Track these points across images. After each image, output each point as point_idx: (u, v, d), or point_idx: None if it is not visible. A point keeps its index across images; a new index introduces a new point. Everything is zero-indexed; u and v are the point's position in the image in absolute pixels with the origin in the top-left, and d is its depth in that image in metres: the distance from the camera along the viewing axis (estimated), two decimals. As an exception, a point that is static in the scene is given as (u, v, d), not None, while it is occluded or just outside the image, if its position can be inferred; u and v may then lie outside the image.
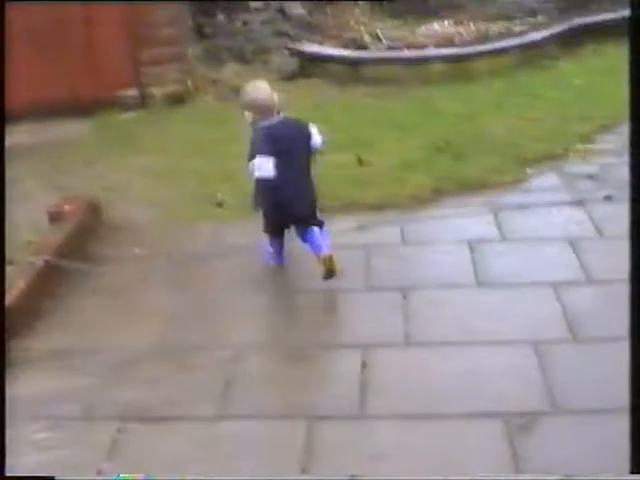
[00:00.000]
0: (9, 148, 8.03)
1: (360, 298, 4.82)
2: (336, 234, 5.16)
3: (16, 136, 8.55)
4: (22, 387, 4.09)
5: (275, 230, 5.12)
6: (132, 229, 5.90)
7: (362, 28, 10.18)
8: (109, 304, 4.89)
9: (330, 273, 4.76)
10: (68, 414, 3.89)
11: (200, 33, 9.88)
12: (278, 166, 4.80)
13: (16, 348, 4.45)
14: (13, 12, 8.54)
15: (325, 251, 4.78)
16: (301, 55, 9.57)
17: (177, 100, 8.84)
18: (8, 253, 5.57)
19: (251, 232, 5.36)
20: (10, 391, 4.06)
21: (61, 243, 5.35)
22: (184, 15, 9.18)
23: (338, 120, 7.50)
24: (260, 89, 5.07)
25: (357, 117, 7.88)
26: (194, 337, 4.47)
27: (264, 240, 5.17)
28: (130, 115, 8.69)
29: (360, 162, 6.60)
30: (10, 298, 4.65)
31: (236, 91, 8.74)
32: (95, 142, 8.02)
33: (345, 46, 9.72)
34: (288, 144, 4.89)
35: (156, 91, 8.88)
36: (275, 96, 5.02)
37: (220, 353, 4.29)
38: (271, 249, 5.16)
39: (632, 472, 2.53)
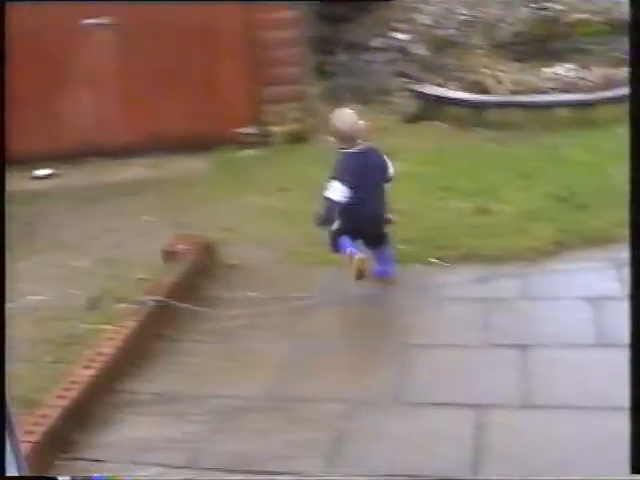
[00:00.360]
0: (129, 182, 8.21)
1: (476, 354, 4.64)
2: (454, 285, 5.01)
3: (135, 170, 8.70)
4: (127, 431, 4.07)
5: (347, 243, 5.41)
6: (246, 271, 5.85)
7: (485, 71, 10.00)
8: (219, 348, 4.82)
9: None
10: (173, 462, 3.81)
11: (321, 72, 9.84)
12: (357, 188, 5.21)
13: (123, 390, 4.42)
14: (135, 47, 8.80)
15: (390, 273, 5.41)
16: (422, 97, 9.46)
17: (296, 139, 8.82)
18: (121, 291, 5.63)
19: (367, 279, 5.25)
20: (115, 434, 4.07)
21: (174, 283, 5.32)
22: (306, 54, 9.16)
23: (459, 165, 7.36)
24: (345, 118, 5.39)
25: (478, 163, 7.71)
26: (304, 388, 4.35)
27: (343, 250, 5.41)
28: (249, 153, 8.71)
29: (480, 210, 6.42)
30: (120, 338, 4.65)
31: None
32: (213, 179, 8.05)
33: (468, 89, 9.56)
34: (367, 170, 5.30)
35: (276, 129, 8.88)
36: (359, 125, 5.32)
37: (330, 406, 4.17)
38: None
39: (632, 472, 2.50)
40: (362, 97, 9.54)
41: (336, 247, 5.44)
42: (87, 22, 8.87)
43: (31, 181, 8.91)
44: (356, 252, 5.24)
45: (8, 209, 7.14)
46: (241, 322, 5.07)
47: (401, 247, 5.75)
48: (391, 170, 5.45)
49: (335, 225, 5.38)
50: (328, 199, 5.27)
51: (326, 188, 5.28)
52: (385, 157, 5.46)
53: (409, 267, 5.63)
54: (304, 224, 6.53)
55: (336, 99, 9.50)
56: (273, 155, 8.64)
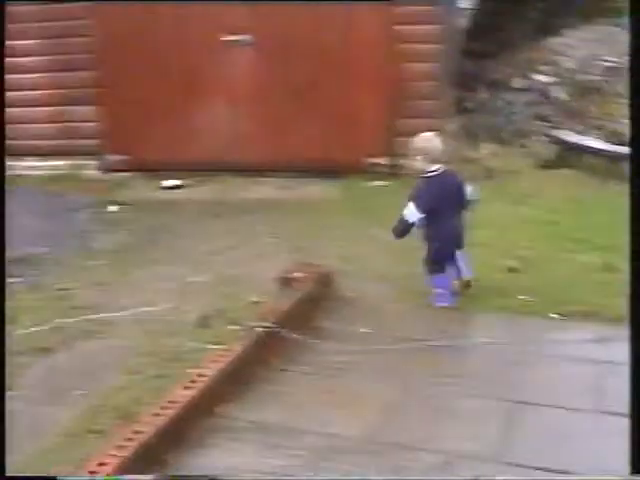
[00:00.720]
0: (256, 201, 8.20)
1: (585, 419, 4.41)
2: (570, 344, 4.81)
3: (264, 189, 8.70)
4: (219, 457, 4.01)
5: (440, 266, 5.72)
6: (361, 305, 5.75)
7: (626, 121, 9.67)
8: (324, 382, 4.71)
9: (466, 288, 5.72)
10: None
11: (460, 107, 9.69)
12: (435, 212, 5.57)
13: (220, 414, 4.36)
14: (273, 66, 8.85)
15: (467, 274, 5.73)
16: (560, 143, 9.22)
17: (427, 174, 8.68)
18: (233, 312, 5.59)
19: (488, 326, 5.09)
20: (207, 459, 4.01)
21: (286, 311, 5.25)
22: (446, 88, 9.03)
23: (590, 217, 7.11)
24: (430, 139, 5.70)
25: (612, 216, 7.42)
26: (405, 434, 4.20)
27: (432, 283, 5.75)
28: (379, 184, 8.62)
29: (608, 267, 6.17)
30: (224, 361, 4.59)
31: (489, 173, 8.54)
32: (340, 207, 7.99)
33: (607, 138, 9.27)
34: (445, 193, 5.59)
35: (407, 162, 8.75)
36: (440, 147, 5.66)
37: (429, 457, 4.01)
38: (440, 289, 5.70)
39: (632, 472, 2.46)
40: (498, 137, 9.37)
41: (431, 275, 5.78)
42: (227, 38, 8.95)
43: (159, 191, 9.02)
44: (463, 274, 5.74)
45: (133, 216, 7.25)
46: (349, 358, 4.95)
47: (521, 297, 5.57)
48: (470, 195, 5.71)
49: (425, 254, 5.77)
50: (403, 218, 5.67)
51: (405, 207, 5.64)
52: (463, 182, 5.74)
53: (527, 319, 5.44)
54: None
55: (472, 137, 9.35)
56: (402, 188, 8.51)
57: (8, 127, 9.80)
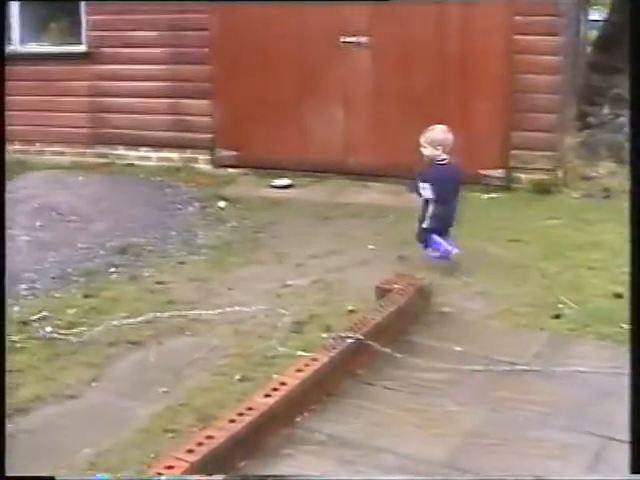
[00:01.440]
0: (364, 206, 8.09)
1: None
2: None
3: (373, 194, 8.59)
4: (292, 469, 3.90)
5: (436, 232, 6.56)
6: (457, 322, 5.57)
7: None
8: (410, 400, 4.55)
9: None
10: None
11: (582, 123, 9.40)
12: (441, 193, 6.53)
13: (300, 425, 4.26)
14: (388, 69, 8.73)
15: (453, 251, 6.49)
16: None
17: (542, 189, 8.46)
18: (328, 319, 5.49)
19: (586, 353, 4.89)
20: (279, 469, 3.90)
21: (380, 323, 5.10)
22: (568, 102, 8.76)
23: None
24: (439, 130, 6.56)
25: None
26: (486, 462, 4.01)
27: (429, 244, 6.62)
28: (492, 196, 8.42)
29: None
30: (309, 370, 4.48)
31: (607, 193, 8.24)
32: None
33: None
34: (448, 180, 6.56)
35: (522, 176, 8.54)
36: (449, 140, 6.49)
37: (508, 489, 3.83)
38: (436, 248, 6.53)
39: (632, 472, 2.45)
40: (618, 155, 9.04)
41: (426, 243, 6.61)
42: (345, 40, 8.87)
43: (268, 189, 8.99)
44: (452, 249, 6.46)
45: (240, 213, 7.23)
46: (438, 376, 4.78)
47: (624, 326, 5.29)
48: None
49: (425, 224, 6.60)
50: (420, 195, 6.64)
51: (420, 188, 6.62)
52: (461, 172, 6.69)
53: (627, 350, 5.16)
54: (529, 281, 6.19)
55: (592, 154, 9.06)
56: (514, 202, 8.32)
57: (124, 116, 10.06)
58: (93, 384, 4.97)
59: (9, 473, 2.98)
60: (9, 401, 4.71)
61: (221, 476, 3.38)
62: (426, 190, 6.55)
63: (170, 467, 3.62)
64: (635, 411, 2.44)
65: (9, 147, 10.70)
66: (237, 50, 9.35)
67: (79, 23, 10.30)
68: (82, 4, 10.17)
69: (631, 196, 2.48)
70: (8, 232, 7.68)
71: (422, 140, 6.53)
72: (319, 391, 4.50)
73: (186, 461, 3.66)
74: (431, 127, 6.60)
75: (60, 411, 4.67)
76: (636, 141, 2.49)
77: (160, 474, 3.58)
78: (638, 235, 2.47)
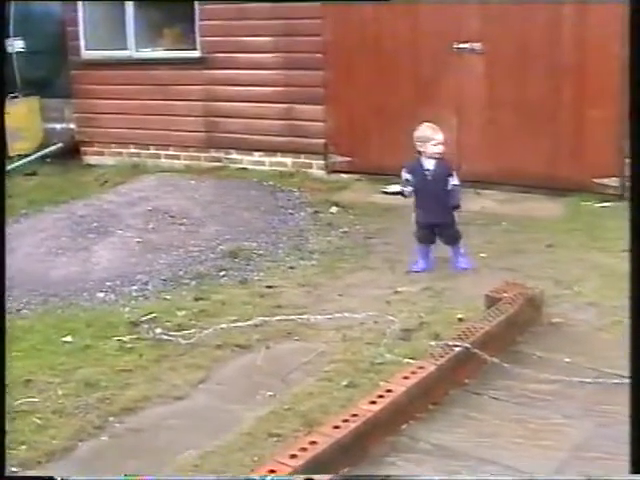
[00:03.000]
0: (475, 213, 7.98)
1: None
2: None
3: (485, 202, 8.48)
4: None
5: (419, 237, 6.82)
6: (568, 333, 5.44)
7: None
8: (517, 412, 4.46)
9: None
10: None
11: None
12: (419, 191, 6.69)
13: (405, 433, 4.22)
14: (502, 75, 8.58)
15: (463, 267, 6.70)
16: None
17: (659, 199, 8.19)
18: (436, 327, 5.43)
19: None
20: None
21: (488, 332, 5.01)
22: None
23: None
24: (425, 128, 6.64)
25: None
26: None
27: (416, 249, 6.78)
28: (606, 205, 8.21)
29: None
30: (416, 378, 4.43)
31: None
32: (562, 227, 7.66)
33: None
34: (429, 177, 6.62)
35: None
36: (437, 136, 6.56)
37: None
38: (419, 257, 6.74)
39: (632, 472, 2.40)
40: None
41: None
42: (459, 46, 8.79)
43: (381, 195, 8.95)
44: (424, 267, 6.75)
45: (352, 219, 7.22)
46: (547, 388, 4.68)
47: None
48: (453, 182, 6.62)
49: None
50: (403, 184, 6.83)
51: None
52: (451, 170, 6.65)
53: None
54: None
55: None
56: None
57: (238, 121, 10.14)
58: (200, 386, 5.02)
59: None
60: (117, 400, 4.83)
61: (327, 476, 3.35)
62: (407, 185, 6.75)
63: (273, 471, 3.62)
64: (635, 411, 2.36)
65: (124, 150, 10.96)
66: (350, 55, 9.35)
67: (192, 29, 10.44)
68: (197, 10, 10.29)
69: (631, 195, 2.40)
70: (121, 234, 7.87)
71: (414, 138, 6.66)
72: (425, 399, 4.44)
73: (289, 466, 3.66)
74: (422, 124, 6.72)
75: (166, 412, 4.73)
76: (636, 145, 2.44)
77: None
78: (637, 237, 2.54)
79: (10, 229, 8.68)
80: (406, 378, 4.45)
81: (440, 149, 6.58)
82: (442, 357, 4.67)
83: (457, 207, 6.75)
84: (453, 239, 6.73)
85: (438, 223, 6.68)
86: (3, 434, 2.66)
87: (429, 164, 6.59)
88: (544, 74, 8.48)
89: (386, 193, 8.97)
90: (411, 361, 4.85)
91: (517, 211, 8.14)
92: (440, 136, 6.59)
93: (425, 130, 6.64)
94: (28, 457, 4.33)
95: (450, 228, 6.70)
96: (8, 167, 11.17)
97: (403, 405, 4.30)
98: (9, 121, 11.89)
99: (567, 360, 5.00)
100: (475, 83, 8.80)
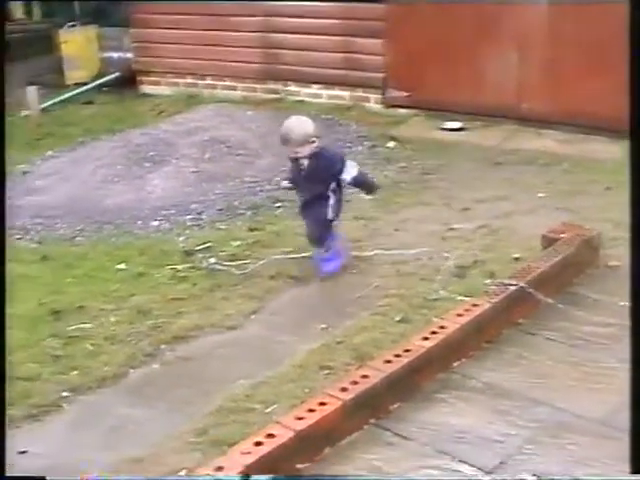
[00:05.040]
0: (535, 153, 7.86)
1: None
2: None
3: (546, 142, 8.34)
4: (444, 415, 3.84)
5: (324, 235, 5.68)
6: (625, 277, 5.33)
7: None
8: (570, 353, 4.40)
9: None
10: (479, 463, 3.51)
11: None
12: (299, 184, 5.73)
13: (456, 371, 4.19)
14: (566, 15, 8.36)
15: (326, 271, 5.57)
16: None
17: None
18: (492, 265, 5.37)
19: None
20: (431, 415, 3.85)
21: (544, 272, 4.94)
22: None
23: None
24: (286, 124, 5.55)
25: None
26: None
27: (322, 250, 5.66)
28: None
29: None
30: (470, 316, 4.40)
31: None
32: (623, 168, 7.48)
33: None
34: (310, 172, 5.54)
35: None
36: (303, 130, 5.46)
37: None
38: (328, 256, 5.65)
39: (632, 472, 2.39)
40: None
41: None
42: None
43: (439, 132, 8.84)
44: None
45: (409, 154, 7.13)
46: (602, 331, 4.61)
47: None
48: (349, 172, 5.56)
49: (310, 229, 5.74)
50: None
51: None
52: (336, 156, 5.69)
53: None
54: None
55: None
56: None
57: (296, 52, 10.04)
58: (253, 316, 5.04)
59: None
60: (169, 328, 4.86)
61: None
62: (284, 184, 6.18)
63: (323, 404, 3.62)
64: (635, 411, 2.32)
65: (181, 81, 10.93)
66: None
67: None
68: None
69: (631, 196, 2.36)
70: (177, 163, 7.88)
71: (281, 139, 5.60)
72: (478, 337, 4.41)
73: (339, 399, 3.66)
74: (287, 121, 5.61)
75: (218, 341, 4.76)
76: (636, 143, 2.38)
77: (312, 411, 3.58)
78: (637, 234, 2.57)
79: (66, 157, 8.76)
80: (460, 315, 4.42)
81: (305, 150, 5.50)
82: (497, 295, 4.62)
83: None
84: (317, 239, 5.66)
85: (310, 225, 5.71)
86: (3, 434, 2.67)
87: (305, 160, 5.56)
88: (611, 11, 8.24)
89: (444, 129, 8.87)
90: (465, 299, 4.81)
91: (578, 152, 7.99)
92: (300, 135, 5.48)
93: (286, 128, 5.56)
94: (79, 383, 4.39)
95: (318, 226, 5.64)
96: (65, 95, 11.23)
97: (456, 342, 4.27)
98: (67, 50, 11.98)
99: (622, 304, 4.91)
100: (538, 20, 8.58)
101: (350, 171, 5.56)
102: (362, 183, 5.75)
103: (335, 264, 5.61)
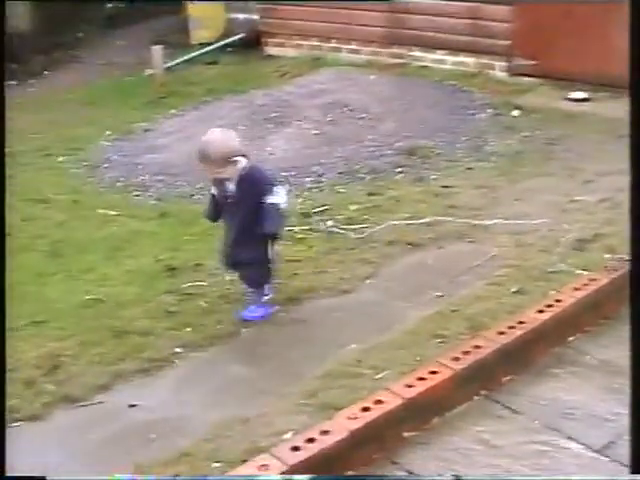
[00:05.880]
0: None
1: None
2: None
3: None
4: (556, 390, 3.80)
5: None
6: None
7: None
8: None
9: None
10: (589, 442, 3.44)
11: None
12: (225, 212, 4.66)
13: (571, 346, 4.12)
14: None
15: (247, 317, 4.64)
16: None
17: None
18: (613, 239, 5.23)
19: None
20: (541, 390, 3.79)
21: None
22: None
23: None
24: (205, 138, 4.59)
25: None
26: None
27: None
28: None
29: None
30: (588, 290, 4.31)
31: None
32: None
33: None
34: (238, 198, 4.57)
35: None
36: (225, 147, 4.50)
37: None
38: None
39: (632, 472, 2.39)
40: None
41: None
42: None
43: (564, 102, 8.64)
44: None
45: (533, 124, 6.97)
46: None
47: None
48: (276, 198, 4.55)
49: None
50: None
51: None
52: (267, 179, 4.67)
53: None
54: None
55: None
56: None
57: (422, 17, 9.93)
58: (367, 281, 5.02)
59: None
60: (284, 289, 4.88)
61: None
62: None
63: (434, 372, 3.60)
64: (635, 411, 2.43)
65: (305, 43, 10.91)
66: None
67: None
68: None
69: (631, 197, 2.26)
70: (299, 125, 7.89)
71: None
72: (595, 313, 4.32)
73: (451, 368, 3.63)
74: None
75: (332, 304, 4.77)
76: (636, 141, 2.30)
77: (423, 379, 3.56)
78: (637, 233, 2.61)
79: (189, 116, 8.87)
80: (577, 289, 4.34)
81: (226, 171, 4.56)
82: (616, 271, 4.51)
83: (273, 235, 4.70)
84: (256, 281, 4.78)
85: (239, 261, 4.72)
86: (3, 435, 2.70)
87: (230, 183, 4.63)
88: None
89: (569, 99, 8.66)
90: (583, 273, 4.70)
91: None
92: (220, 152, 4.51)
93: (204, 143, 4.60)
94: (192, 339, 4.46)
95: (256, 267, 4.72)
96: (190, 55, 11.35)
97: (572, 317, 4.19)
98: (194, 10, 12.09)
99: None
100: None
101: (278, 197, 4.59)
102: (277, 218, 4.61)
103: (264, 311, 4.71)
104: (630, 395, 2.41)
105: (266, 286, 4.74)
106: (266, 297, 4.74)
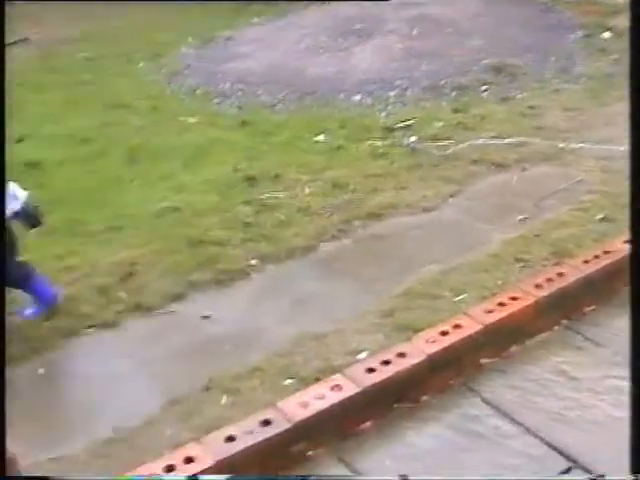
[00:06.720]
0: None
1: None
2: None
3: None
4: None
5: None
6: None
7: None
8: None
9: None
10: None
11: None
12: None
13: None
14: None
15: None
16: None
17: None
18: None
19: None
20: (626, 324, 3.64)
21: None
22: None
23: None
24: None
25: None
26: None
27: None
28: None
29: None
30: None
31: None
32: None
33: None
34: None
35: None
36: None
37: None
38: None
39: (632, 472, 2.44)
40: None
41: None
42: None
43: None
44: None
45: (625, 46, 6.67)
46: None
47: None
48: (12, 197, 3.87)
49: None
50: None
51: None
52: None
53: None
54: None
55: None
56: None
57: None
58: (450, 200, 4.89)
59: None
60: (364, 205, 4.78)
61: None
62: None
63: (515, 299, 3.50)
64: (635, 412, 2.32)
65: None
66: None
67: None
68: None
69: (631, 197, 2.37)
70: (384, 38, 7.72)
71: None
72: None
73: (533, 295, 3.52)
74: None
75: (412, 222, 4.65)
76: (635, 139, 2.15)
77: (503, 305, 3.46)
78: (637, 231, 2.48)
79: (272, 25, 8.72)
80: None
81: None
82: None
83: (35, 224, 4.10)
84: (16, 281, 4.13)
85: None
86: (3, 434, 2.63)
87: None
88: None
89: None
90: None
91: None
92: None
93: None
94: (268, 252, 4.39)
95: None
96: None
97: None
98: None
99: None
100: None
101: (13, 202, 3.90)
102: (28, 215, 4.00)
103: (37, 309, 4.14)
104: (630, 394, 2.31)
105: (28, 285, 4.13)
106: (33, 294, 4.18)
